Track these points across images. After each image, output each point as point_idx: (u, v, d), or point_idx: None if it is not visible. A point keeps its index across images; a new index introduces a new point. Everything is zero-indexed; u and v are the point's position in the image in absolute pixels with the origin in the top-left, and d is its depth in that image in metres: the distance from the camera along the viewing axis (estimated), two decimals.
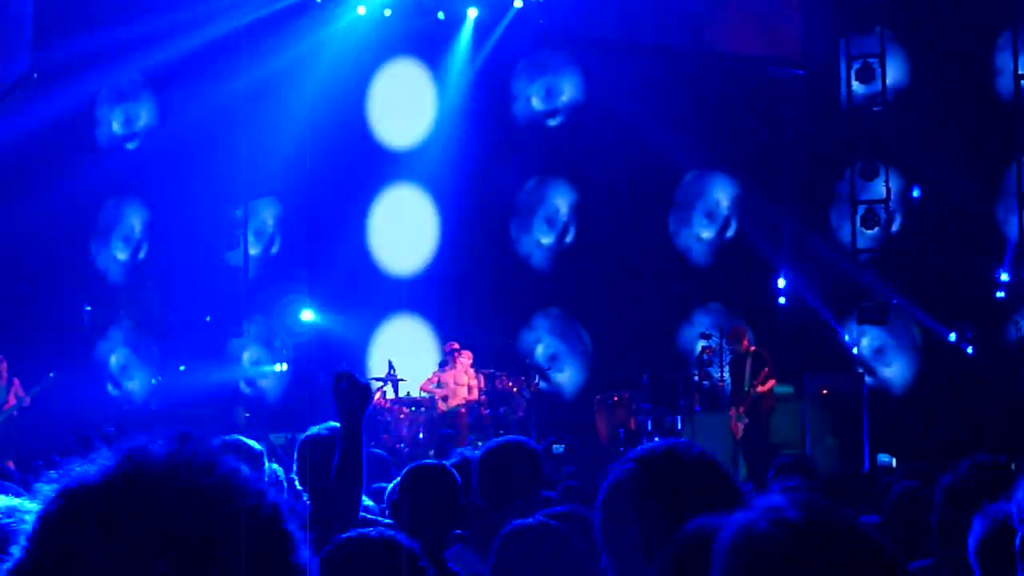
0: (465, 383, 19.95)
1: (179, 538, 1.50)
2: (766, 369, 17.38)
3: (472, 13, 22.54)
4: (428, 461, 5.99)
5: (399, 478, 5.85)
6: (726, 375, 18.58)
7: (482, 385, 20.05)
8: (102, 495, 1.54)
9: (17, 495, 2.81)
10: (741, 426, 17.20)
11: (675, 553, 2.37)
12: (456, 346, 20.18)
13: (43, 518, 1.57)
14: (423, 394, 20.18)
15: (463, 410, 19.77)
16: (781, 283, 21.09)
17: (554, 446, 18.08)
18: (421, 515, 5.25)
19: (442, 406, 19.86)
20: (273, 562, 1.56)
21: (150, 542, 1.49)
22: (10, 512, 2.45)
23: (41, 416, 19.18)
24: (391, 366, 20.88)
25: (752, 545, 1.87)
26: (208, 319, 22.90)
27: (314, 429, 6.02)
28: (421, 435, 19.53)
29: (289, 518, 1.62)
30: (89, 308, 23.32)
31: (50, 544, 1.54)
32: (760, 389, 17.27)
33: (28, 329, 21.26)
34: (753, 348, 17.73)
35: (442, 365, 20.35)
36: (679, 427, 18.75)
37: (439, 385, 20.02)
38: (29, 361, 19.62)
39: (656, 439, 18.59)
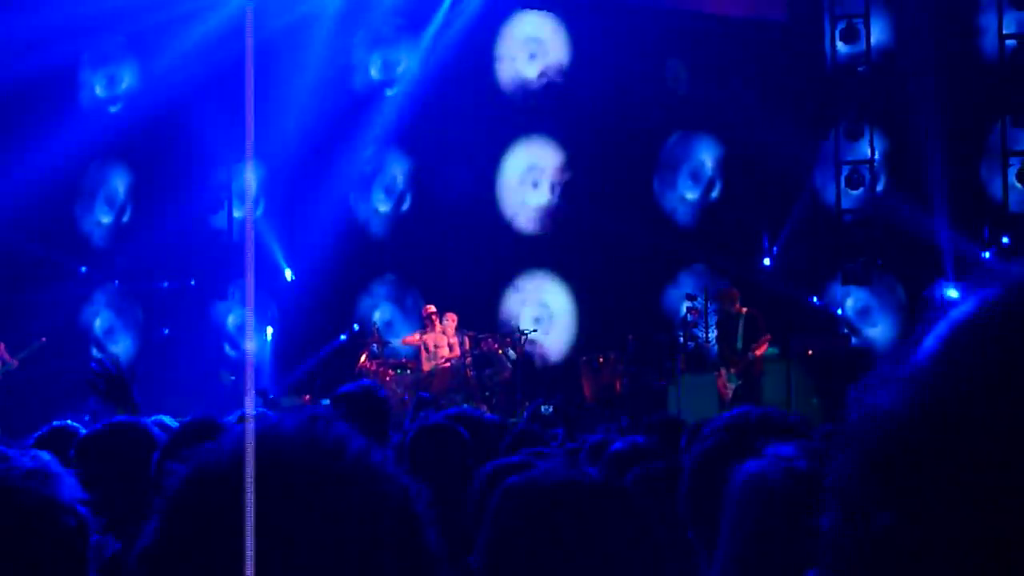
0: (444, 343, 19.94)
1: (310, 523, 1.49)
2: (768, 336, 17.30)
3: None
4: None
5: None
6: (711, 336, 18.56)
7: (467, 347, 20.04)
8: (233, 479, 1.51)
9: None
10: (731, 387, 17.15)
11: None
12: (432, 310, 20.15)
13: (173, 499, 1.55)
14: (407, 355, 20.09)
15: (445, 365, 19.76)
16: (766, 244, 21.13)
17: (543, 407, 18.10)
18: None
19: (426, 366, 19.86)
20: (404, 546, 1.55)
21: (280, 526, 1.48)
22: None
23: (26, 380, 19.19)
24: (374, 327, 20.88)
25: (764, 494, 1.87)
26: (192, 282, 22.83)
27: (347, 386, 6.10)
28: (406, 397, 19.51)
29: (418, 499, 1.61)
30: (84, 269, 23.19)
31: (179, 526, 1.52)
32: (757, 352, 17.20)
33: (11, 293, 21.19)
34: (745, 310, 17.64)
35: (421, 329, 20.34)
36: (665, 389, 18.81)
37: (424, 347, 20.02)
38: (13, 324, 19.61)
39: (642, 399, 18.72)
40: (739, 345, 17.22)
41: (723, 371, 17.43)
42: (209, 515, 1.51)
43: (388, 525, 1.54)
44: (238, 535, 1.46)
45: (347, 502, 1.52)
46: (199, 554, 1.50)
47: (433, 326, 19.97)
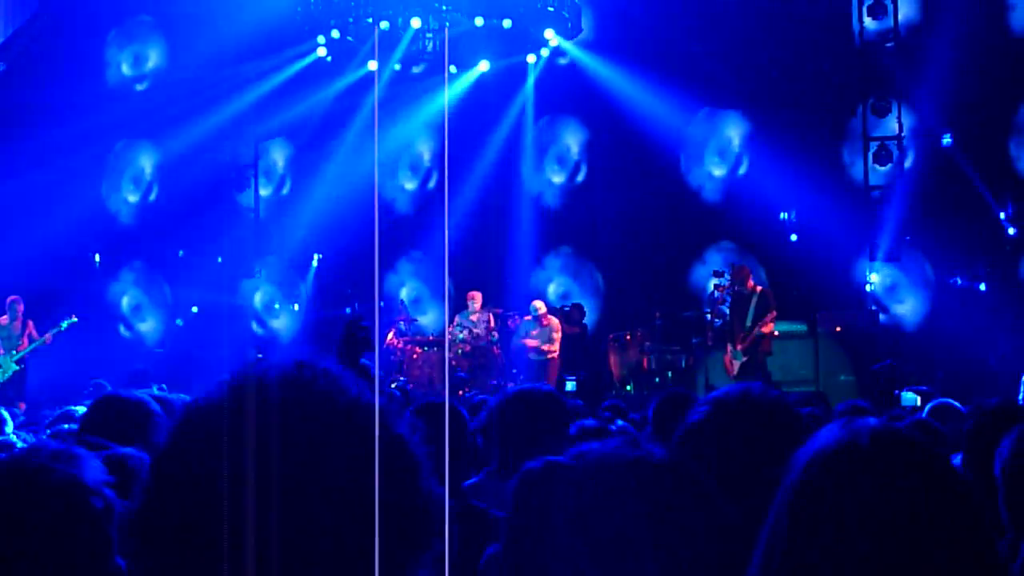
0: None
1: (302, 463, 1.50)
2: (774, 313, 17.20)
3: None
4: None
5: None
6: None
7: (493, 324, 19.90)
8: (214, 412, 1.56)
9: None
10: (737, 364, 17.09)
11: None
12: (544, 308, 19.93)
13: (169, 434, 1.59)
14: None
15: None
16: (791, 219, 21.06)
17: (567, 383, 18.11)
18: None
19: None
20: (402, 487, 1.55)
21: (273, 469, 1.49)
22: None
23: (52, 358, 19.25)
24: (403, 305, 20.88)
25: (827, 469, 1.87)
26: (220, 260, 22.86)
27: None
28: (433, 375, 19.48)
29: (416, 444, 1.61)
30: (98, 256, 23.16)
31: (168, 471, 1.56)
32: (764, 330, 17.09)
33: (41, 271, 21.24)
34: (760, 288, 17.52)
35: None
36: (692, 365, 18.80)
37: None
38: (42, 302, 19.67)
39: (669, 375, 18.73)
40: (748, 323, 17.12)
41: (729, 347, 17.34)
42: (197, 458, 1.53)
43: (382, 466, 1.53)
44: (215, 465, 1.50)
45: (339, 444, 1.53)
46: (189, 500, 1.52)
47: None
